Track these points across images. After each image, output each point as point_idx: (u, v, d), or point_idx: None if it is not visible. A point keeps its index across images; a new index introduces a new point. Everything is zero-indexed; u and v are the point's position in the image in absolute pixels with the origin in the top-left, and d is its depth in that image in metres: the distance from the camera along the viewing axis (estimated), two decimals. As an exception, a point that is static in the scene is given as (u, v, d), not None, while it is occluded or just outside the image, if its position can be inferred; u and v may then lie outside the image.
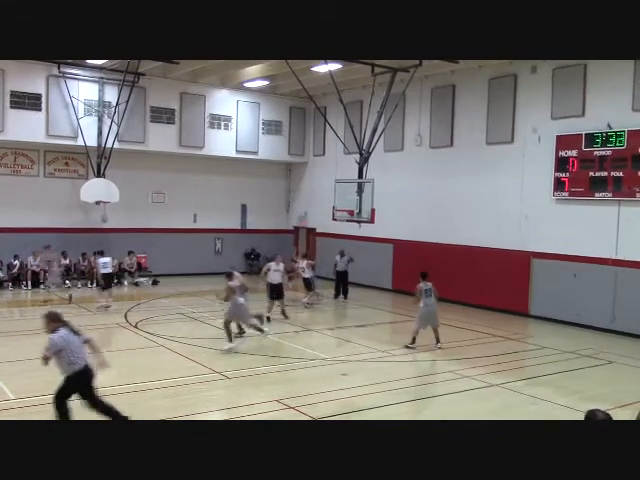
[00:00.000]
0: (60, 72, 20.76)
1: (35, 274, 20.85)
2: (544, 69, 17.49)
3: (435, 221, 20.63)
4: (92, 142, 21.63)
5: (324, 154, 25.79)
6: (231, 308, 13.08)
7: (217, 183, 25.57)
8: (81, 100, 21.36)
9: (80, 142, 21.41)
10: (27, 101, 20.46)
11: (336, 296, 20.44)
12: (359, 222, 19.20)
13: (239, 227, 26.58)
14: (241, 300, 13.06)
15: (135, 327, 15.04)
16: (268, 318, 15.73)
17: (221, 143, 24.41)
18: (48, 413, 7.93)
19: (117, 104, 21.62)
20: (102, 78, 21.63)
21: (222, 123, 24.40)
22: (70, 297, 18.68)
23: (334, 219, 19.56)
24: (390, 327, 17.49)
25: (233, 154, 24.84)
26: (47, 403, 8.58)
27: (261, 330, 13.52)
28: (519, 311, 18.02)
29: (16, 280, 20.71)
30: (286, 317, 16.43)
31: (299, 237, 27.62)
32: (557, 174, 17.14)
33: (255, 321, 13.69)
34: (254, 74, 22.20)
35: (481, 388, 10.82)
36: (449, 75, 20.20)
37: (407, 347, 13.35)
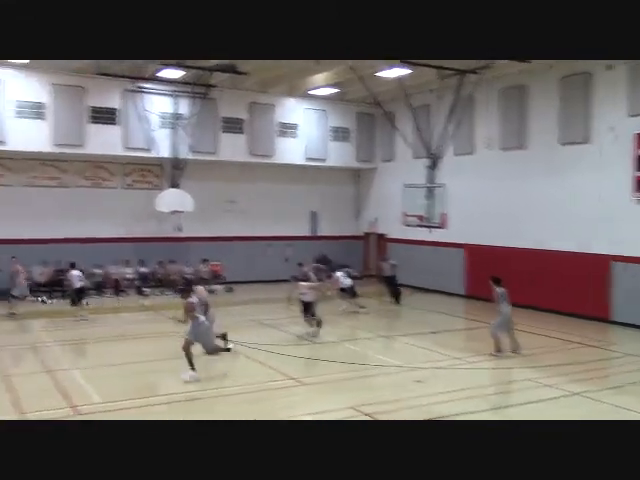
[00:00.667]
0: (135, 87, 21.56)
1: (117, 282, 21.69)
2: (620, 66, 16.90)
3: (508, 224, 20.22)
4: (166, 154, 22.34)
5: (393, 159, 25.71)
6: (190, 329, 11.50)
7: (287, 190, 25.90)
8: (156, 113, 22.10)
9: (155, 154, 22.17)
10: (105, 116, 21.35)
11: (395, 301, 20.45)
12: (429, 227, 19.07)
13: (309, 234, 26.82)
14: (202, 319, 11.47)
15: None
16: (319, 323, 15.20)
17: (290, 151, 24.73)
18: (129, 417, 8.22)
19: (190, 116, 22.28)
20: (175, 91, 22.31)
21: (290, 131, 24.73)
22: (146, 304, 19.33)
23: (404, 224, 19.47)
24: (464, 334, 17.25)
25: (302, 161, 25.11)
26: (130, 407, 8.92)
27: (227, 349, 12.62)
28: (598, 316, 17.41)
29: (99, 288, 21.59)
30: (317, 327, 15.31)
31: (369, 243, 27.62)
32: (637, 173, 16.52)
33: (217, 345, 12.38)
34: (321, 82, 22.41)
35: (562, 397, 10.52)
36: (518, 75, 19.78)
37: (493, 355, 13.06)
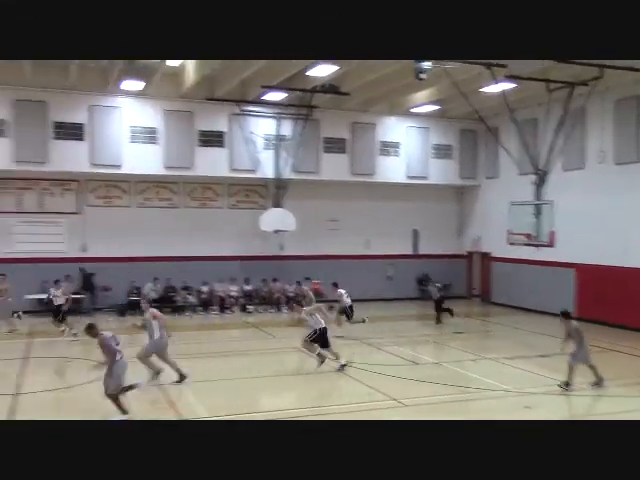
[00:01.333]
0: (241, 110, 22.30)
1: (222, 299, 22.37)
2: None
3: (622, 243, 19.07)
4: (270, 174, 22.90)
5: (497, 176, 25.02)
6: (150, 342, 11.84)
7: (388, 209, 25.79)
8: (260, 135, 22.74)
9: (259, 175, 22.79)
10: (212, 139, 22.22)
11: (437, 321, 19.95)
12: (537, 246, 18.33)
13: (410, 252, 26.53)
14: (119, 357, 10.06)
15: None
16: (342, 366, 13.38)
17: (391, 169, 24.66)
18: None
19: (292, 137, 22.77)
20: (278, 113, 22.88)
21: (392, 150, 24.68)
22: (250, 321, 19.74)
23: (510, 243, 18.83)
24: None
25: (403, 180, 24.96)
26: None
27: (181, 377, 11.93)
28: None
29: (206, 305, 22.35)
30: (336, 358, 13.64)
31: (473, 262, 26.94)
32: None
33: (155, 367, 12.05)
34: (422, 99, 22.25)
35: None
36: (634, 85, 18.73)
37: (594, 384, 12.29)
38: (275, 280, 23.42)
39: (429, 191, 26.37)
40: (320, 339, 13.30)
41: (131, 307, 21.27)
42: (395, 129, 24.78)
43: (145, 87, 20.07)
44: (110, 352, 9.74)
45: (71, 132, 20.53)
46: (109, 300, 21.74)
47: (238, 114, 22.36)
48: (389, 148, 24.66)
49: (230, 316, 21.84)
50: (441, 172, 25.49)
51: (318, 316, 13.52)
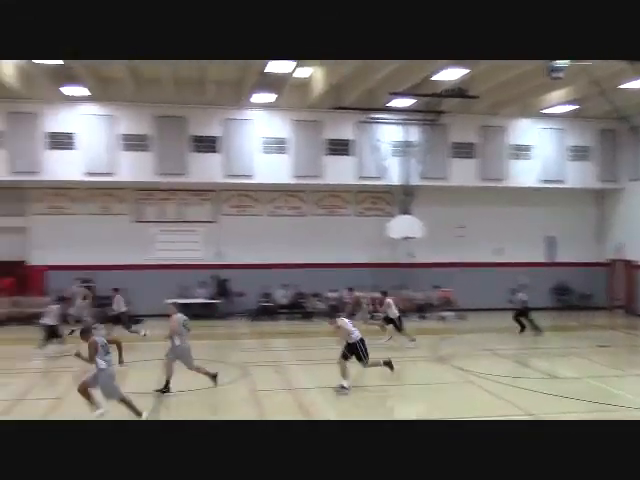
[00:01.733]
0: (367, 118, 22.38)
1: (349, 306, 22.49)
2: None
3: None
4: (397, 181, 22.78)
5: (642, 178, 23.32)
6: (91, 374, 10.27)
7: (519, 215, 24.79)
8: (387, 142, 22.70)
9: (386, 182, 22.74)
10: (340, 147, 22.47)
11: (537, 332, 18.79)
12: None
13: (544, 260, 25.31)
14: (102, 364, 9.56)
15: (442, 362, 15.15)
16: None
17: (523, 174, 23.71)
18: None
19: (420, 143, 22.52)
20: (405, 120, 22.73)
21: (524, 153, 23.72)
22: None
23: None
24: None
25: (536, 184, 23.91)
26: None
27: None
28: None
29: (334, 311, 22.54)
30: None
31: (615, 270, 25.21)
32: None
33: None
34: (557, 99, 21.20)
35: None
36: None
37: None
38: (403, 288, 23.18)
39: (564, 195, 25.05)
40: (351, 351, 11.99)
41: (262, 312, 21.98)
42: (527, 131, 23.81)
43: (275, 99, 20.71)
44: (94, 359, 9.55)
45: (207, 145, 21.62)
46: (242, 305, 22.56)
47: (365, 122, 22.46)
48: (520, 151, 23.74)
49: (358, 323, 21.88)
50: (578, 175, 24.14)
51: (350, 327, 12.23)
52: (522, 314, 19.20)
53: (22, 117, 20.52)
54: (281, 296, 22.47)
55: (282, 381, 12.87)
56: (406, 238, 22.66)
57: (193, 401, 11.50)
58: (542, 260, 25.24)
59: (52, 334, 15.56)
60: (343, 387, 11.72)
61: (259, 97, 20.63)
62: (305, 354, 16.38)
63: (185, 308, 21.60)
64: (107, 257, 22.06)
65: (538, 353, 15.79)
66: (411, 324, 21.72)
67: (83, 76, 18.51)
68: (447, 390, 12.47)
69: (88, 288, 20.58)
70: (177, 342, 11.87)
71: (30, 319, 20.27)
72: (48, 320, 15.63)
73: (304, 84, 20.96)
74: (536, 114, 23.19)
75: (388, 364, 12.71)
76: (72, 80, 18.95)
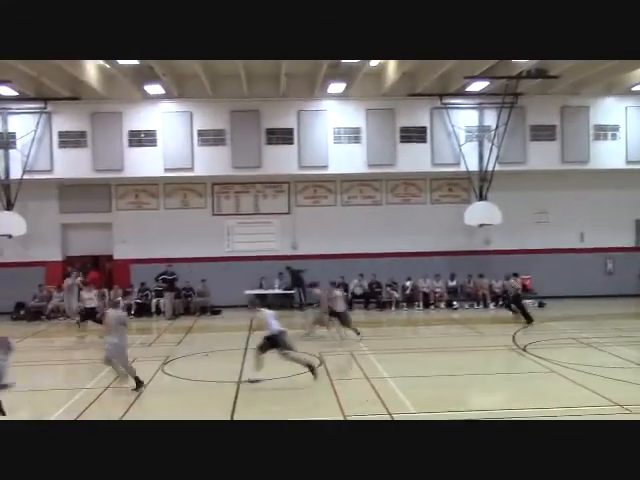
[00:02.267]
0: (442, 104, 21.97)
1: (426, 295, 22.25)
2: None
3: None
4: (473, 167, 22.27)
5: None
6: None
7: (605, 198, 23.73)
8: (462, 128, 22.22)
9: (462, 168, 22.28)
10: (414, 135, 22.18)
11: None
12: None
13: (633, 245, 24.15)
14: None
15: (524, 350, 14.75)
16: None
17: (608, 155, 22.67)
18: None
19: (497, 127, 21.92)
20: (481, 104, 22.17)
21: (610, 133, 22.66)
22: (456, 318, 19.38)
23: None
24: None
25: (622, 166, 22.80)
26: (443, 420, 8.91)
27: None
28: None
29: (409, 301, 22.42)
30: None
31: None
32: None
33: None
34: (646, 76, 20.13)
35: None
36: None
37: None
38: (481, 276, 22.73)
39: (654, 177, 23.78)
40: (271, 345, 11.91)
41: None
42: (613, 111, 22.72)
43: (348, 89, 20.67)
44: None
45: (281, 137, 21.84)
46: (317, 296, 22.65)
47: (439, 108, 22.07)
48: (606, 132, 22.69)
49: (434, 312, 21.67)
50: (672, 155, 22.83)
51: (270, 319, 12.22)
52: (514, 301, 18.83)
53: (105, 117, 21.37)
54: (356, 286, 22.47)
55: (358, 370, 12.88)
56: (483, 225, 22.17)
57: (269, 387, 11.68)
58: (632, 245, 24.09)
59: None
60: (253, 381, 11.62)
61: (332, 87, 20.70)
62: (381, 344, 16.32)
63: (262, 299, 22.15)
64: (188, 250, 22.72)
65: (624, 342, 15.09)
66: (491, 313, 21.33)
67: (162, 75, 19.08)
68: (529, 380, 12.12)
69: (170, 281, 21.26)
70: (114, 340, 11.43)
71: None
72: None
73: (377, 72, 20.79)
74: (623, 92, 22.08)
75: (312, 369, 11.81)
76: (152, 79, 19.60)
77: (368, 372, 12.55)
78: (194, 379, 12.47)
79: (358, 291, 22.48)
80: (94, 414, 10.17)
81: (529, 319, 18.32)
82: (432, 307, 22.16)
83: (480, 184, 22.50)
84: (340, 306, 16.42)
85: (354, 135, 22.06)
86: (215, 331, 18.85)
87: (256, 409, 10.25)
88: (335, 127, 21.98)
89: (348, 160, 21.95)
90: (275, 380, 12.15)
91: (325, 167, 21.98)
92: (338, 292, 16.90)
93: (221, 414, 9.77)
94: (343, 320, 16.33)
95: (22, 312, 21.65)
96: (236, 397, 10.94)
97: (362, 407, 10.11)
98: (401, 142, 22.14)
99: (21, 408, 11.08)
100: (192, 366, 13.98)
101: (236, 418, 9.63)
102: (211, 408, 10.31)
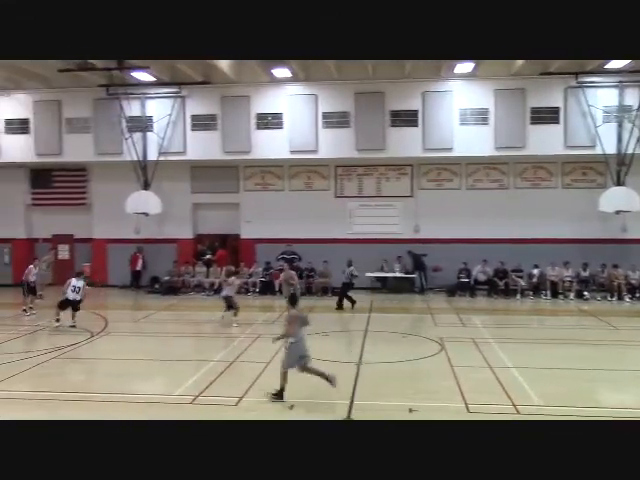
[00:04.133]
0: (578, 82, 20.74)
1: (554, 284, 21.25)
2: None
3: None
4: (611, 149, 20.88)
5: None
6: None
7: None
8: (599, 107, 20.87)
9: (598, 151, 20.95)
10: (546, 115, 21.12)
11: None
12: None
13: None
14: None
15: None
16: None
17: None
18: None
19: (639, 107, 20.38)
20: (622, 82, 20.69)
21: None
22: (587, 309, 18.36)
23: None
24: None
25: None
26: (571, 415, 8.50)
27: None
28: None
29: (536, 289, 21.53)
30: None
31: None
32: None
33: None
34: None
35: None
36: None
37: None
38: (615, 266, 21.34)
39: None
40: None
41: (460, 288, 21.62)
42: None
43: (476, 68, 20.03)
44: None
45: (406, 119, 21.58)
46: (439, 281, 22.35)
47: (574, 87, 20.86)
48: None
49: (563, 302, 20.66)
50: None
51: None
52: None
53: (234, 100, 22.10)
54: (480, 272, 21.88)
55: (481, 358, 12.55)
56: (620, 212, 20.78)
57: (389, 370, 11.68)
58: None
59: (229, 305, 16.39)
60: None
61: (459, 68, 20.16)
62: (505, 332, 15.82)
63: (383, 282, 22.14)
64: (310, 231, 23.12)
65: None
66: (626, 305, 20.07)
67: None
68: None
69: (289, 260, 21.75)
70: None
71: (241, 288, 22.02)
72: (228, 292, 16.50)
73: (507, 50, 19.93)
74: None
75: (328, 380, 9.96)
76: (279, 63, 20.00)
77: (491, 361, 12.21)
78: (314, 357, 12.71)
79: (481, 277, 21.89)
80: (220, 387, 10.64)
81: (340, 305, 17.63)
82: (560, 297, 21.13)
83: (618, 168, 21.06)
84: None
85: (481, 116, 21.36)
86: (335, 312, 19.09)
87: (375, 391, 10.28)
88: (461, 108, 21.38)
89: (474, 142, 21.31)
90: (394, 364, 12.13)
91: (450, 149, 21.48)
92: None
93: (341, 395, 9.88)
94: None
95: (156, 286, 23.03)
96: (356, 379, 11.03)
97: (485, 396, 9.85)
98: (531, 124, 21.16)
99: (157, 375, 11.83)
100: (312, 345, 14.24)
101: (357, 400, 9.70)
102: (331, 388, 10.45)
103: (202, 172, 23.85)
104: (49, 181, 24.84)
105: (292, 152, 22.03)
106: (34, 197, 25.04)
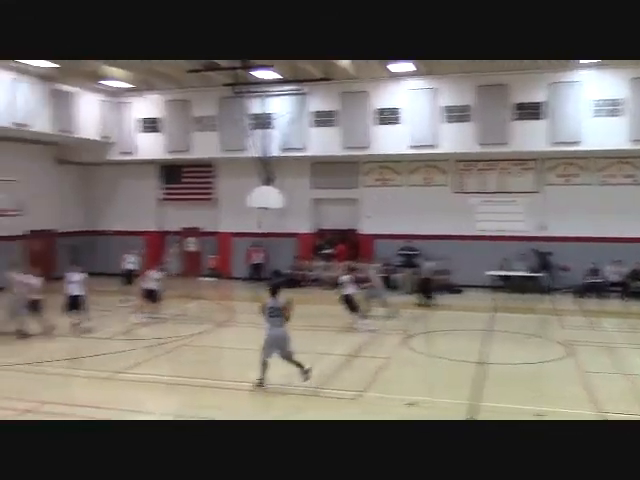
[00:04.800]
0: None
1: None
2: None
3: None
4: None
5: None
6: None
7: None
8: None
9: None
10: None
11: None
12: None
13: None
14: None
15: None
16: None
17: None
18: None
19: None
20: None
21: None
22: None
23: None
24: None
25: None
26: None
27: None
28: None
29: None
30: None
31: None
32: None
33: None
34: None
35: None
36: None
37: None
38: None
39: None
40: None
41: (590, 289, 20.52)
42: None
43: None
44: None
45: (531, 112, 20.69)
46: (566, 280, 21.30)
47: None
48: None
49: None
50: None
51: None
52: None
53: (354, 96, 22.19)
54: (612, 272, 20.62)
55: (612, 364, 11.85)
56: None
57: (513, 372, 11.30)
58: None
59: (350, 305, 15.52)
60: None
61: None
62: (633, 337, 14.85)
63: (505, 280, 21.45)
64: (428, 227, 22.82)
65: None
66: None
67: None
68: None
69: (409, 257, 21.56)
70: None
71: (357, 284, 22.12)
72: (349, 290, 15.69)
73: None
74: None
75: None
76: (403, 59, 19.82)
77: (625, 367, 11.50)
78: (435, 355, 12.55)
79: (614, 278, 20.62)
80: (341, 381, 10.76)
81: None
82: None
83: None
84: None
85: (614, 107, 20.05)
86: (455, 310, 18.74)
87: (500, 392, 9.98)
88: (592, 99, 20.18)
89: (606, 135, 19.99)
90: (519, 365, 11.74)
91: (579, 143, 20.33)
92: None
93: (464, 395, 9.69)
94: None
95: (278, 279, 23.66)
96: (482, 379, 10.77)
97: (621, 405, 9.28)
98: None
99: (278, 365, 12.17)
100: (432, 343, 14.08)
101: (484, 402, 9.46)
102: (455, 387, 10.27)
103: (322, 168, 24.18)
104: (178, 177, 26.18)
105: (411, 147, 21.80)
106: (165, 192, 26.48)
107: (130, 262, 19.56)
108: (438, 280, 20.84)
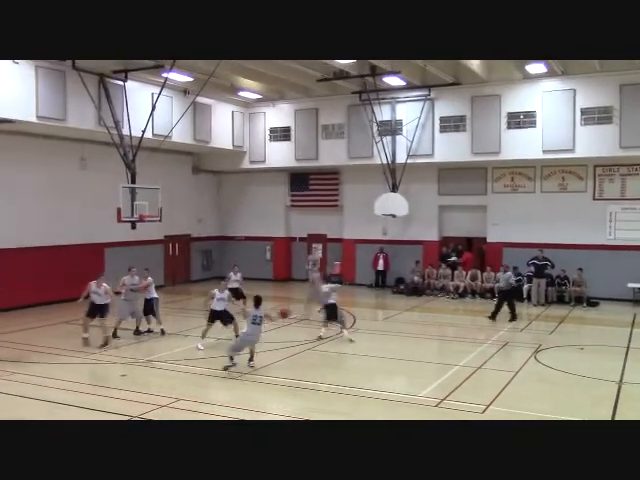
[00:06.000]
0: None
1: None
2: None
3: None
4: None
5: None
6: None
7: None
8: None
9: None
10: None
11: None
12: None
13: None
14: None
15: None
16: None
17: None
18: None
19: None
20: None
21: None
22: None
23: None
24: None
25: None
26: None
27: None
28: None
29: None
30: None
31: None
32: None
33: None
34: None
35: None
36: None
37: None
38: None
39: None
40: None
41: None
42: None
43: None
44: None
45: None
46: None
47: None
48: None
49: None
50: None
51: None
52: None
53: (484, 100, 21.56)
54: None
55: None
56: None
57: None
58: None
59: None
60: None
61: None
62: None
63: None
64: (562, 236, 21.65)
65: None
66: None
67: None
68: None
69: (540, 267, 20.52)
70: None
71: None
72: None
73: None
74: None
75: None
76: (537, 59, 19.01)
77: None
78: (567, 372, 11.86)
79: None
80: (466, 394, 10.47)
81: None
82: None
83: None
84: None
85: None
86: (591, 324, 17.63)
87: (635, 414, 9.26)
88: None
89: None
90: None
91: None
92: None
93: (601, 414, 9.08)
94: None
95: (401, 287, 23.45)
96: (617, 397, 10.05)
97: None
98: None
99: (402, 374, 12.06)
100: (565, 358, 13.31)
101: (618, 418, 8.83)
102: (586, 407, 9.66)
103: (449, 174, 23.70)
104: (306, 184, 26.72)
105: (545, 152, 20.79)
106: (292, 199, 27.14)
107: (235, 280, 17.43)
108: (573, 291, 19.72)
